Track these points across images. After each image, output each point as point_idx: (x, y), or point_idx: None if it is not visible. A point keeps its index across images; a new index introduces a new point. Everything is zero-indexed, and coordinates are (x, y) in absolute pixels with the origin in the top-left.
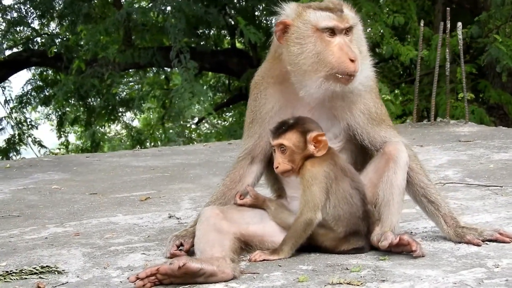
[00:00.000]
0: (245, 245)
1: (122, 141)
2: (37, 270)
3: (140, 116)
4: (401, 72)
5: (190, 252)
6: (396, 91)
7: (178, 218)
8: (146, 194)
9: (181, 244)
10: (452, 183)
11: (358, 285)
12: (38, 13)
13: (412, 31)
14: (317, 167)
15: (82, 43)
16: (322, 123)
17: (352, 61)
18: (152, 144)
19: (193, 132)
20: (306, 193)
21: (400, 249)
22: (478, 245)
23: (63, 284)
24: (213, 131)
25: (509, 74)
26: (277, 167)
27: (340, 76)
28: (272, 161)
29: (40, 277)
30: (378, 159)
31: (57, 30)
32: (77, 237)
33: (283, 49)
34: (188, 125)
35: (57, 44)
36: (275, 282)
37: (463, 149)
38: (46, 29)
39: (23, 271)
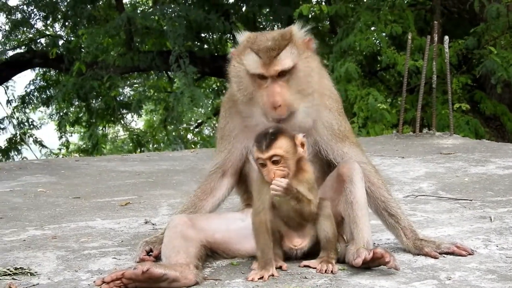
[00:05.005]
0: (211, 252)
1: (125, 142)
2: (10, 271)
3: (138, 119)
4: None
5: (159, 258)
6: (392, 100)
7: (153, 224)
8: (127, 199)
9: (151, 250)
10: (424, 195)
11: None
12: (42, 14)
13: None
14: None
15: (83, 45)
16: None
17: (278, 107)
18: (155, 146)
19: (197, 136)
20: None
21: (377, 263)
22: (435, 257)
23: (34, 285)
24: (214, 134)
25: (505, 85)
26: (273, 176)
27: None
28: (243, 173)
29: (13, 278)
30: (333, 177)
31: (61, 32)
32: (54, 240)
33: None
34: (191, 128)
35: (60, 46)
36: None
37: (442, 162)
38: (50, 29)
39: None
